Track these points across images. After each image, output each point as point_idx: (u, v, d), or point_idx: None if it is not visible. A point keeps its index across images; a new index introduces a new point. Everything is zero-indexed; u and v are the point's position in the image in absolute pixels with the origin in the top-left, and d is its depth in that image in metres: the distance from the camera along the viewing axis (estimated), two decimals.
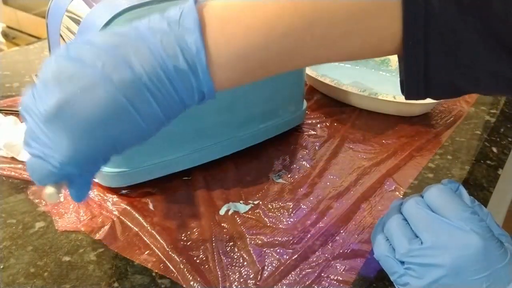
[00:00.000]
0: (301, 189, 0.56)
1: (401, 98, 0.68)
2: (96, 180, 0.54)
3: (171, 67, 0.30)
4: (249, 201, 0.54)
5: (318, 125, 0.68)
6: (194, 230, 0.49)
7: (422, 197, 0.40)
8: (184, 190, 0.55)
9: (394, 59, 0.82)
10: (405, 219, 0.40)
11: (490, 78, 0.32)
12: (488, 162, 0.63)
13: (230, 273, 0.45)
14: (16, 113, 0.66)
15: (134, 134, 0.32)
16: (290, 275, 0.45)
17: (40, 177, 0.33)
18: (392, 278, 0.40)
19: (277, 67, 0.33)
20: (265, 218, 0.51)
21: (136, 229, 0.49)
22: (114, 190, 0.53)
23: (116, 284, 0.43)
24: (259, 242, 0.48)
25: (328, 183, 0.57)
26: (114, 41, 0.30)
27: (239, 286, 0.44)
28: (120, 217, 0.50)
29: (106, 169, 0.52)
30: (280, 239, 0.49)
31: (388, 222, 0.40)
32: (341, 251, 0.48)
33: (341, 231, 0.50)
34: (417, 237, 0.38)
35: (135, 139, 0.32)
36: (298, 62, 0.33)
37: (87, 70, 0.30)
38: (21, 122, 0.64)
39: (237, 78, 0.33)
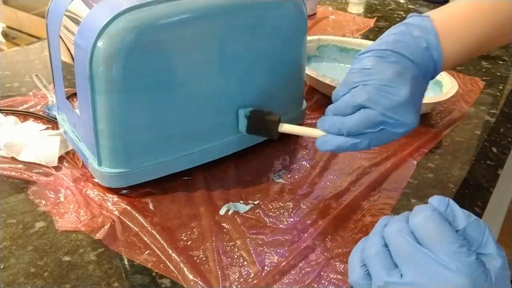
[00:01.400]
0: (301, 189, 0.56)
1: None
2: (96, 180, 0.54)
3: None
4: (249, 201, 0.54)
5: None
6: (194, 230, 0.50)
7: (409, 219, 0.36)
8: (184, 190, 0.55)
9: None
10: (386, 245, 0.36)
11: None
12: (488, 162, 0.63)
13: (230, 273, 0.45)
14: (16, 113, 0.66)
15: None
16: (290, 274, 0.45)
17: (378, 143, 0.48)
18: None
19: (478, 53, 0.53)
20: (265, 218, 0.51)
21: (136, 229, 0.49)
22: (115, 190, 0.53)
23: (116, 284, 0.43)
24: (259, 242, 0.48)
25: (328, 183, 0.57)
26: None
27: (239, 286, 0.44)
28: (120, 217, 0.50)
29: (106, 169, 0.52)
30: (280, 238, 0.49)
31: (367, 247, 0.37)
32: (340, 250, 0.48)
33: (341, 231, 0.50)
34: (396, 266, 0.35)
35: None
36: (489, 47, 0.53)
37: (408, 68, 0.47)
38: (21, 122, 0.64)
39: (456, 58, 0.50)
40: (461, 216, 0.35)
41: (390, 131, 0.47)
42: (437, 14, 0.50)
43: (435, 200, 0.36)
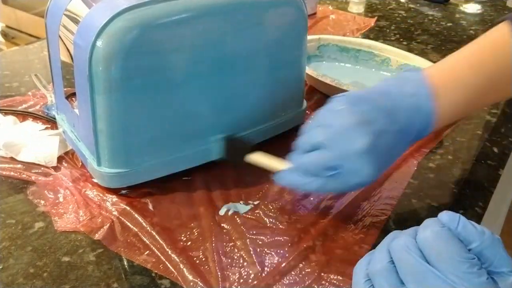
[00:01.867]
0: None
1: None
2: (95, 180, 0.54)
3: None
4: (249, 202, 0.54)
5: None
6: (194, 230, 0.49)
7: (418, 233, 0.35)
8: (184, 190, 0.55)
9: (394, 58, 0.82)
10: (392, 261, 0.35)
11: None
12: (489, 162, 0.63)
13: (230, 274, 0.45)
14: (15, 113, 0.66)
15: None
16: (290, 275, 0.45)
17: (332, 189, 0.47)
18: None
19: (471, 110, 0.54)
20: (265, 218, 0.51)
21: (136, 230, 0.49)
22: (114, 190, 0.53)
23: (115, 285, 0.43)
24: (259, 242, 0.48)
25: None
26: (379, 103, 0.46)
27: (239, 287, 0.43)
28: (120, 217, 0.50)
29: (105, 169, 0.51)
30: (280, 239, 0.49)
31: (373, 261, 0.36)
32: (341, 251, 0.47)
33: (341, 231, 0.50)
34: (402, 283, 0.34)
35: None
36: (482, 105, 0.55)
37: (379, 121, 0.45)
38: (20, 122, 0.64)
39: (448, 120, 0.49)
40: (474, 234, 0.33)
41: (345, 179, 0.45)
42: (430, 68, 0.49)
43: (445, 217, 0.34)
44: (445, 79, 0.48)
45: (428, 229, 0.34)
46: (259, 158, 0.53)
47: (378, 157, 0.45)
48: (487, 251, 0.33)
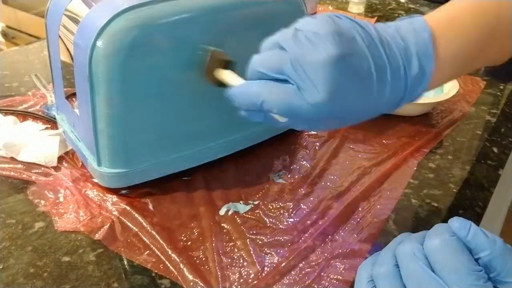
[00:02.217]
0: (301, 189, 0.56)
1: None
2: (95, 180, 0.54)
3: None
4: (249, 201, 0.54)
5: None
6: (194, 230, 0.49)
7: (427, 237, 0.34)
8: (184, 190, 0.55)
9: None
10: (397, 265, 0.34)
11: None
12: (489, 162, 0.63)
13: (230, 274, 0.45)
14: (15, 113, 0.66)
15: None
16: (290, 275, 0.45)
17: (278, 101, 0.38)
18: None
19: (472, 67, 0.44)
20: (265, 218, 0.51)
21: (136, 229, 0.49)
22: (114, 190, 0.53)
23: (115, 285, 0.43)
24: (259, 242, 0.48)
25: (328, 183, 0.57)
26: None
27: (239, 287, 0.43)
28: (120, 217, 0.50)
29: (106, 169, 0.51)
30: (280, 239, 0.49)
31: (378, 263, 0.36)
32: (340, 250, 0.47)
33: (341, 231, 0.50)
34: None
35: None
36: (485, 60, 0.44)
37: (360, 41, 0.37)
38: (21, 122, 0.64)
39: (446, 76, 0.42)
40: (484, 242, 0.32)
41: (294, 91, 0.37)
42: (429, 16, 0.42)
43: (456, 224, 0.33)
44: (444, 27, 0.41)
45: (437, 237, 0.33)
46: (225, 75, 0.47)
47: (343, 83, 0.36)
48: (497, 261, 0.32)
